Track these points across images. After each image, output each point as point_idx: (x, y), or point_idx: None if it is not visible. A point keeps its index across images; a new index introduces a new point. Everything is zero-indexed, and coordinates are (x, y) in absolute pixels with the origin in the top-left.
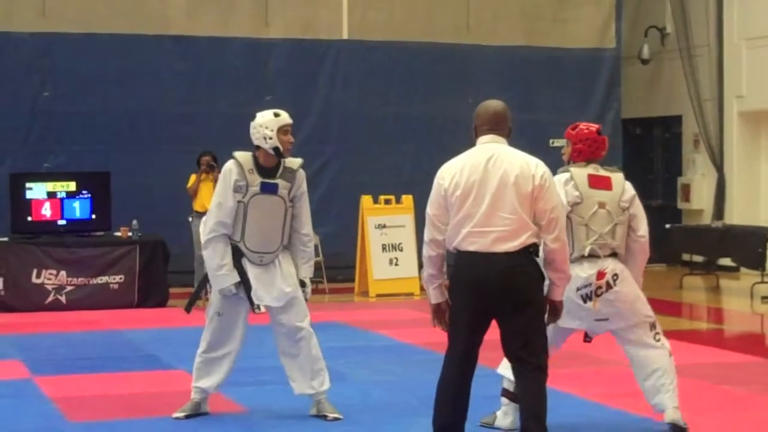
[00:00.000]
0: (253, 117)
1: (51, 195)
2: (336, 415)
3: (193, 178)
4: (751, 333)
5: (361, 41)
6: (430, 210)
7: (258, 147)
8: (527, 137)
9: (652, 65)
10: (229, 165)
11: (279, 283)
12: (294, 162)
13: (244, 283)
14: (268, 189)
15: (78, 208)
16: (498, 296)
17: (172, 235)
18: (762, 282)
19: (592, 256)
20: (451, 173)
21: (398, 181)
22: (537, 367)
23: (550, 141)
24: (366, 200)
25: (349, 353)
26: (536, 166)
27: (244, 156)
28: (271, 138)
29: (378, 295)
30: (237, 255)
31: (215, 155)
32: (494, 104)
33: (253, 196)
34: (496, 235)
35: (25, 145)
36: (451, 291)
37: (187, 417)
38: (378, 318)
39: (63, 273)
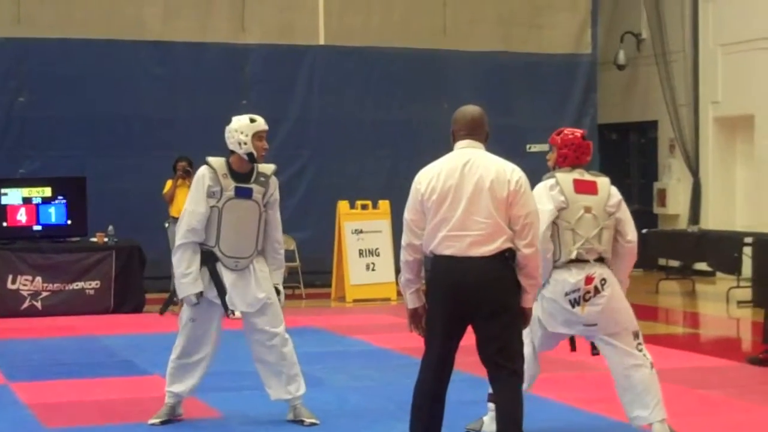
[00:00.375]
0: (229, 122)
1: (26, 200)
2: (313, 420)
3: (169, 183)
4: (727, 337)
5: (337, 46)
6: (407, 215)
7: (232, 152)
8: (504, 142)
9: (627, 71)
10: (203, 171)
11: (253, 289)
12: (267, 168)
13: (219, 288)
14: (243, 194)
15: (53, 214)
16: (474, 301)
17: (148, 240)
18: (737, 286)
19: (579, 260)
20: (428, 178)
21: (375, 187)
22: (513, 372)
23: (527, 146)
24: (343, 205)
25: (326, 358)
26: (512, 171)
27: (217, 161)
28: (245, 143)
29: (355, 300)
30: (212, 260)
31: (191, 160)
32: (471, 109)
33: (227, 201)
34: (471, 239)
35: (0, 151)
36: (427, 295)
37: (163, 423)
38: (355, 323)
39: (39, 279)
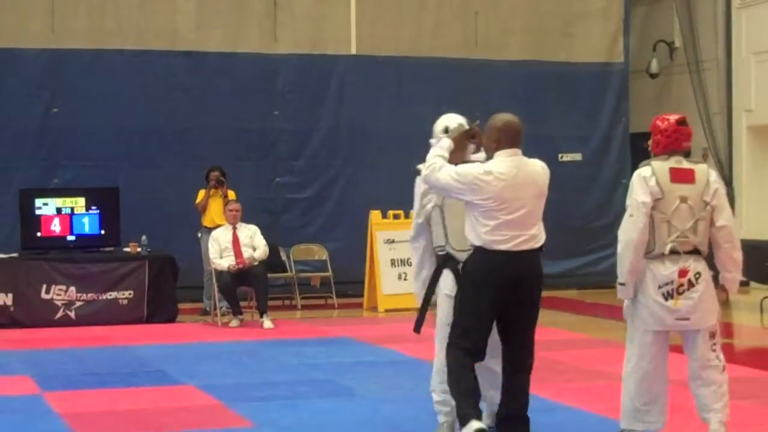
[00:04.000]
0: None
1: (60, 211)
2: None
3: (201, 193)
4: (761, 347)
5: (369, 56)
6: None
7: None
8: (536, 151)
9: (660, 79)
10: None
11: None
12: (479, 156)
13: None
14: None
15: (87, 224)
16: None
17: (181, 250)
18: None
19: (674, 253)
20: None
21: (407, 196)
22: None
23: (560, 155)
24: (375, 215)
25: (358, 369)
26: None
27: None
28: (447, 132)
29: (387, 310)
30: (454, 263)
31: (224, 170)
32: (515, 119)
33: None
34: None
35: (34, 161)
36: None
37: None
38: (387, 333)
39: (72, 288)
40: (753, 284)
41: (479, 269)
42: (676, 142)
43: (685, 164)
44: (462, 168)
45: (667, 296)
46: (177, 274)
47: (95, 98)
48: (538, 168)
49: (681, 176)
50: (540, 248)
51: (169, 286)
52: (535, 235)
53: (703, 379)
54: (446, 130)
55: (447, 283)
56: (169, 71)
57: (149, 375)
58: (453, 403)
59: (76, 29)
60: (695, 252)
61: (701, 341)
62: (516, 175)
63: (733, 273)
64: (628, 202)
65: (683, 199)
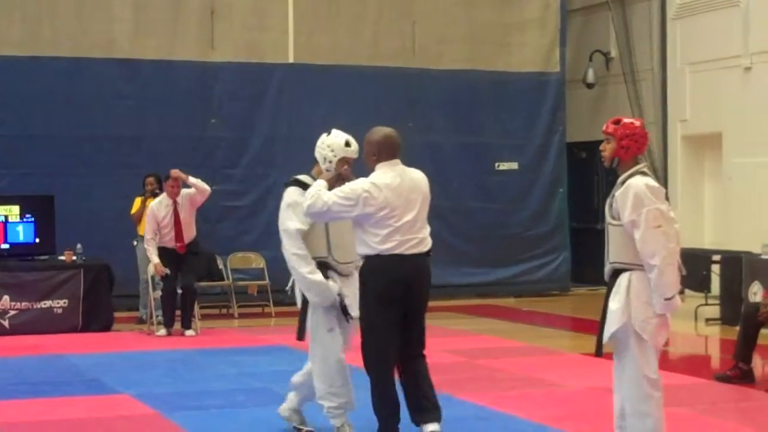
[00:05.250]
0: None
1: None
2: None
3: (137, 201)
4: (696, 354)
5: (306, 65)
6: None
7: (317, 161)
8: (473, 160)
9: (596, 89)
10: (292, 192)
11: (356, 296)
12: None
13: (339, 295)
14: None
15: (21, 232)
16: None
17: (116, 259)
18: (706, 304)
19: None
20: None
21: None
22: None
23: (496, 164)
24: None
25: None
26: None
27: (307, 179)
28: (330, 161)
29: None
30: (324, 269)
31: (160, 178)
32: (393, 132)
33: None
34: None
35: None
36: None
37: None
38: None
39: (6, 297)
40: (688, 292)
41: (374, 274)
42: (642, 147)
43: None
44: (346, 186)
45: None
46: (113, 282)
47: (30, 106)
48: (419, 175)
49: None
50: (428, 252)
51: (104, 294)
52: (424, 239)
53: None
54: (328, 161)
55: None
56: (105, 79)
57: (84, 384)
58: (349, 405)
59: (11, 37)
60: None
61: None
62: (400, 183)
63: None
64: (632, 217)
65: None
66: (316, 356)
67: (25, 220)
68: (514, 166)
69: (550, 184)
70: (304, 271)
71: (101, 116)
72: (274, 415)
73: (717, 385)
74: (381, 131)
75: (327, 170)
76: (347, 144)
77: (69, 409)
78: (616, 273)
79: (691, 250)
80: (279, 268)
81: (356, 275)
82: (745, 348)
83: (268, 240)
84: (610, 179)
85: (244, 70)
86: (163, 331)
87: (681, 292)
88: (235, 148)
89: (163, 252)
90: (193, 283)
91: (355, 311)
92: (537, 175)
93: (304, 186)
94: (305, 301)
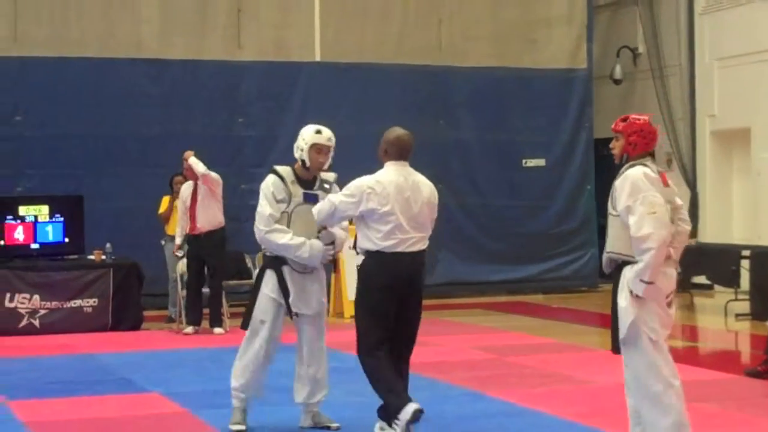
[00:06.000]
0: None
1: (24, 219)
2: (335, 425)
3: (165, 200)
4: (725, 350)
5: (333, 63)
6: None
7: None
8: (499, 157)
9: (624, 85)
10: (269, 179)
11: (318, 292)
12: (329, 176)
13: (284, 291)
14: (311, 199)
15: (51, 232)
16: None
17: (145, 257)
18: (735, 299)
19: (668, 257)
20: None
21: None
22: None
23: (523, 161)
24: None
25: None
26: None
27: (284, 169)
28: (302, 150)
29: (352, 317)
30: (279, 263)
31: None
32: (406, 134)
33: (296, 206)
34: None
35: None
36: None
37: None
38: (352, 339)
39: (36, 297)
40: (717, 287)
41: (375, 270)
42: (651, 143)
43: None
44: (351, 184)
45: (669, 305)
46: (142, 281)
47: (58, 106)
48: (425, 182)
49: (664, 180)
50: (425, 250)
51: (133, 293)
52: (423, 238)
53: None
54: (300, 149)
55: (268, 282)
56: (132, 79)
57: (114, 383)
58: (249, 390)
59: (39, 37)
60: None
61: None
62: (403, 182)
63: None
64: (628, 203)
65: (668, 204)
66: (246, 338)
67: (54, 220)
68: (542, 162)
69: (577, 181)
70: (285, 241)
71: (129, 116)
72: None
73: (747, 380)
74: (395, 132)
75: (300, 159)
76: (318, 132)
77: (99, 407)
78: (619, 267)
79: (721, 245)
80: None
81: (317, 274)
82: None
83: None
84: None
85: (271, 69)
86: (189, 329)
87: (710, 287)
88: (262, 146)
89: (189, 241)
90: (221, 281)
91: (299, 309)
92: (564, 171)
93: (281, 176)
94: (256, 291)
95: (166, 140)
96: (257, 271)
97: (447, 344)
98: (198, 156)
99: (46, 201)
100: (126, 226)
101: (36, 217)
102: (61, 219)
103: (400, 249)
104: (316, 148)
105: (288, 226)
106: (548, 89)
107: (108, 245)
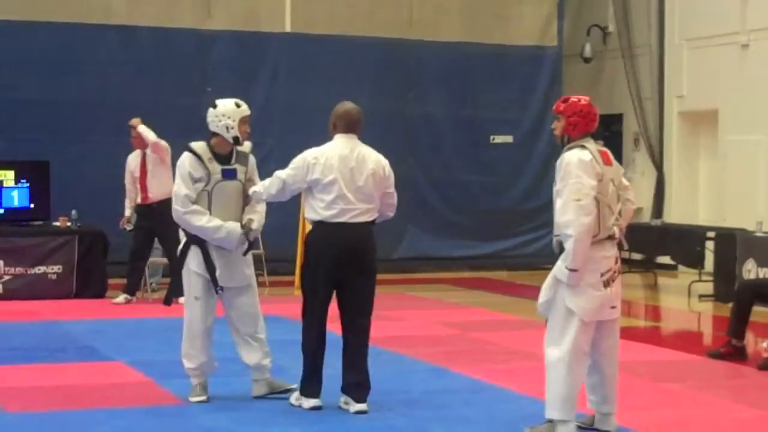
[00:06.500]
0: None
1: None
2: (291, 387)
3: None
4: (689, 331)
5: (303, 34)
6: None
7: (214, 134)
8: (468, 133)
9: (593, 64)
10: (184, 157)
11: (241, 266)
12: (245, 146)
13: (209, 266)
14: (229, 175)
15: (16, 197)
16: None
17: (111, 225)
18: (699, 280)
19: (611, 237)
20: None
21: None
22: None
23: (491, 137)
24: None
25: (289, 347)
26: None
27: (200, 146)
28: (232, 128)
29: None
30: (201, 239)
31: None
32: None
33: (216, 184)
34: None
35: None
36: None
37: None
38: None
39: (0, 262)
40: (681, 268)
41: (318, 240)
42: (591, 123)
43: (600, 146)
44: (296, 158)
45: (606, 284)
46: (107, 249)
47: (26, 71)
48: (373, 155)
49: (606, 159)
50: (372, 221)
51: (98, 261)
52: (370, 209)
53: (613, 370)
54: (230, 127)
55: (194, 259)
56: (101, 45)
57: (78, 351)
58: (203, 368)
59: (6, 1)
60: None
61: (617, 329)
62: (348, 154)
63: None
64: (558, 186)
65: (612, 182)
66: (185, 318)
67: (20, 185)
68: (509, 139)
69: (544, 159)
70: (202, 223)
71: (97, 83)
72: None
73: (710, 361)
74: (344, 105)
75: (232, 137)
76: (238, 105)
77: (62, 375)
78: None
79: (686, 226)
80: (274, 237)
81: (236, 252)
82: (738, 325)
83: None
84: None
85: (241, 39)
86: (121, 298)
87: (674, 268)
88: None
89: (139, 212)
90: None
91: (224, 282)
92: (532, 149)
93: (197, 154)
94: (179, 268)
95: (135, 108)
96: (180, 246)
97: (411, 319)
98: (149, 125)
99: (11, 166)
100: (92, 194)
101: (1, 182)
102: (27, 184)
103: (342, 219)
104: (242, 120)
105: (208, 206)
106: (518, 66)
107: (74, 212)
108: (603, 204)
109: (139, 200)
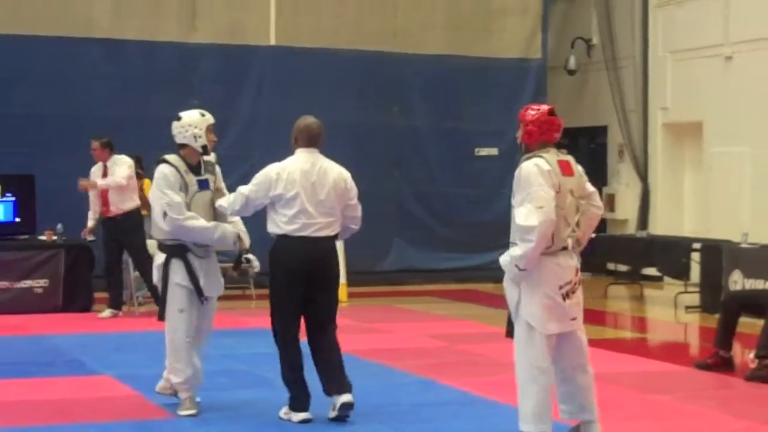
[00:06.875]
0: (176, 118)
1: None
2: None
3: (146, 184)
4: (675, 342)
5: (288, 47)
6: None
7: (182, 146)
8: (452, 146)
9: (578, 76)
10: (166, 169)
11: (218, 275)
12: (210, 157)
13: (192, 277)
14: (204, 185)
15: (2, 211)
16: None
17: (97, 239)
18: (685, 292)
19: (565, 249)
20: None
21: None
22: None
23: (476, 150)
24: None
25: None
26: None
27: (176, 159)
28: (200, 137)
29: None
30: (183, 251)
31: (141, 158)
32: (315, 122)
33: (194, 195)
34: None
35: None
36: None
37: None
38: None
39: None
40: (667, 279)
41: (282, 253)
42: (548, 133)
43: (562, 156)
44: (259, 173)
45: (565, 297)
46: (93, 263)
47: (10, 84)
48: (335, 168)
49: (566, 169)
50: (335, 236)
51: (84, 274)
52: (331, 223)
53: (585, 379)
54: (198, 136)
55: (177, 272)
56: (86, 59)
57: (66, 365)
58: (191, 382)
59: None
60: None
61: (582, 340)
62: (310, 168)
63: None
64: (518, 197)
65: (571, 193)
66: (167, 332)
67: (5, 199)
68: (494, 152)
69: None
70: (202, 224)
71: (82, 96)
72: (256, 398)
73: (697, 372)
74: (305, 120)
75: (201, 146)
76: (202, 114)
77: (51, 389)
78: None
79: (671, 237)
80: (260, 250)
81: (214, 257)
82: (725, 336)
83: (250, 222)
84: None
85: (226, 52)
86: (107, 313)
87: (660, 279)
88: (215, 130)
89: (104, 224)
90: (147, 262)
91: (209, 292)
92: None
93: (174, 166)
94: (165, 282)
95: (120, 121)
96: (159, 262)
97: (398, 331)
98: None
99: None
100: (78, 207)
101: None
102: (13, 198)
103: (305, 233)
104: (208, 129)
105: None
106: (502, 79)
107: (59, 226)
108: (559, 216)
109: (103, 213)
